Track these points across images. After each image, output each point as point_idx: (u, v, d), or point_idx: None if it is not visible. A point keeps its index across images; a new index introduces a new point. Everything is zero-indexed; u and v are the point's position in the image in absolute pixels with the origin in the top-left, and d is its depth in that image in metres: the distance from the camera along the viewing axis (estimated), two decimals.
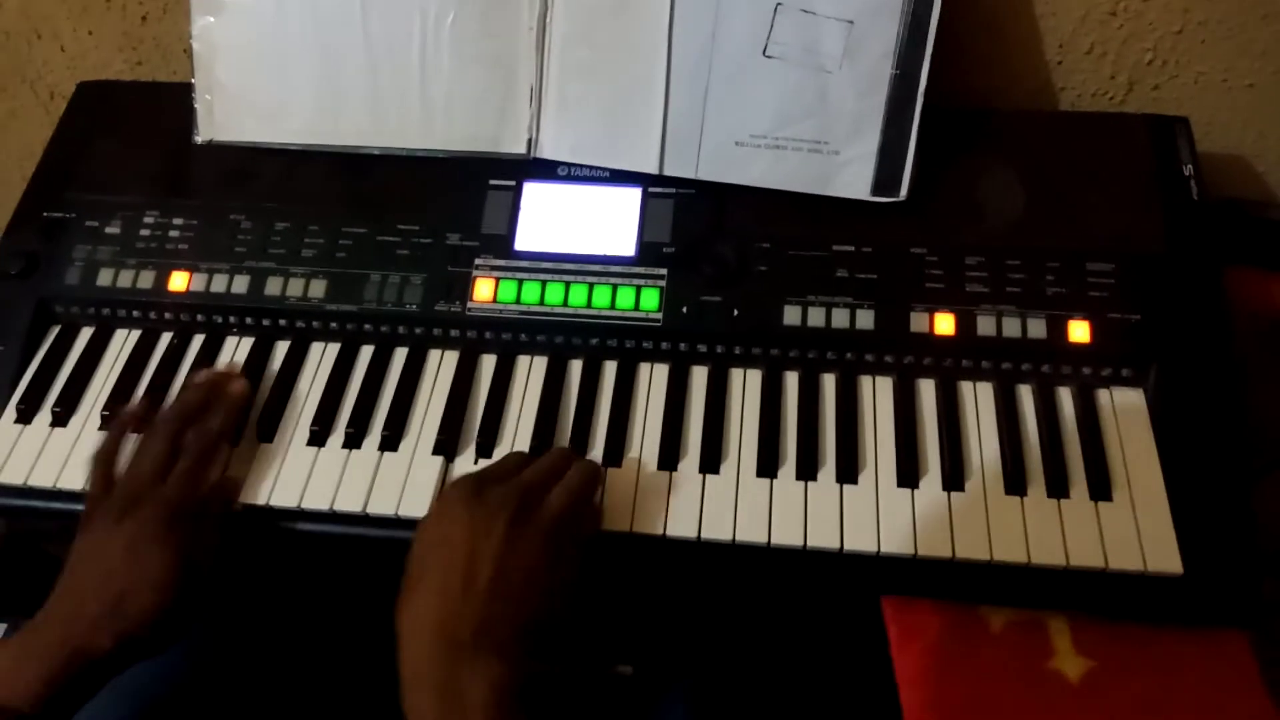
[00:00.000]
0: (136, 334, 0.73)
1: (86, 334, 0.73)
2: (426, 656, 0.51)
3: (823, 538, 0.60)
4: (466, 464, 0.65)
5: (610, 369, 0.68)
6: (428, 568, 0.54)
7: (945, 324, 0.65)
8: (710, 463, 0.63)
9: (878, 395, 0.66)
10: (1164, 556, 0.58)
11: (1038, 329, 0.65)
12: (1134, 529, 0.59)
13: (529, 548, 0.54)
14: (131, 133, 0.79)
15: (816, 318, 0.66)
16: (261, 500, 0.64)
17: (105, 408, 0.68)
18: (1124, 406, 0.64)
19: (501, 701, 0.49)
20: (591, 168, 0.72)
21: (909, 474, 0.62)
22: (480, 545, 0.53)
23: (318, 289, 0.70)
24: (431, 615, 0.52)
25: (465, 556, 0.53)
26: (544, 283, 0.69)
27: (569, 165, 0.72)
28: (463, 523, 0.54)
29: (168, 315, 0.72)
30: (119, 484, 0.60)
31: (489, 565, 0.52)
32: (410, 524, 0.62)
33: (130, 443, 0.63)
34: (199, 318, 0.72)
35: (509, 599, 0.52)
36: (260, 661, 0.73)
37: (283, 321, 0.71)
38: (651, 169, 0.70)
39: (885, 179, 0.68)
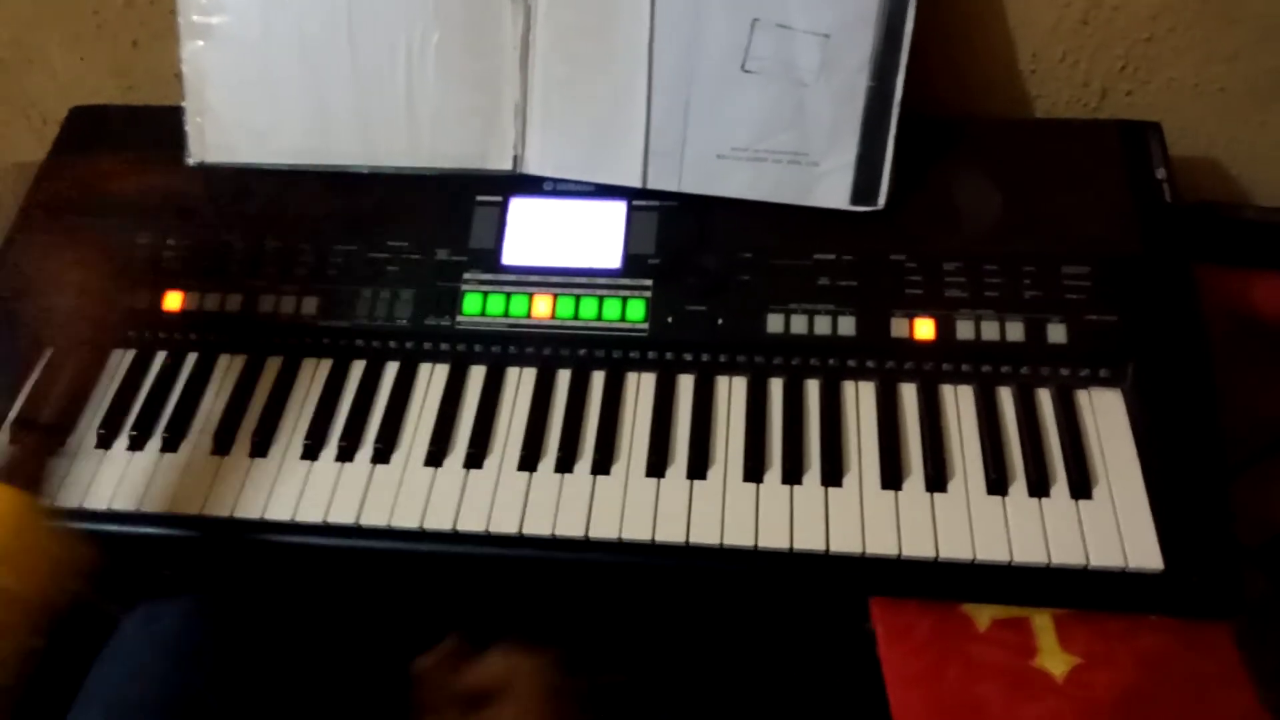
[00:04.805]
0: (131, 354, 0.74)
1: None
2: None
3: (809, 540, 0.61)
4: (456, 474, 0.66)
5: (598, 379, 0.69)
6: None
7: (925, 329, 0.66)
8: (697, 469, 0.64)
9: (860, 400, 0.67)
10: (1144, 553, 0.59)
11: (1016, 332, 0.66)
12: (1114, 526, 0.61)
13: None
14: (124, 156, 0.80)
15: (799, 325, 0.67)
16: (256, 514, 0.64)
17: (101, 426, 0.69)
18: (1102, 406, 0.66)
19: None
20: (576, 182, 0.73)
21: (892, 477, 0.63)
22: None
23: (309, 306, 0.71)
24: None
25: None
26: (531, 295, 0.70)
27: (554, 180, 0.73)
28: None
29: (162, 334, 0.73)
30: None
31: None
32: (402, 535, 0.64)
33: None
34: (193, 336, 0.73)
35: None
36: (252, 673, 0.74)
37: (275, 339, 0.72)
38: (635, 183, 0.71)
39: (863, 188, 0.69)
